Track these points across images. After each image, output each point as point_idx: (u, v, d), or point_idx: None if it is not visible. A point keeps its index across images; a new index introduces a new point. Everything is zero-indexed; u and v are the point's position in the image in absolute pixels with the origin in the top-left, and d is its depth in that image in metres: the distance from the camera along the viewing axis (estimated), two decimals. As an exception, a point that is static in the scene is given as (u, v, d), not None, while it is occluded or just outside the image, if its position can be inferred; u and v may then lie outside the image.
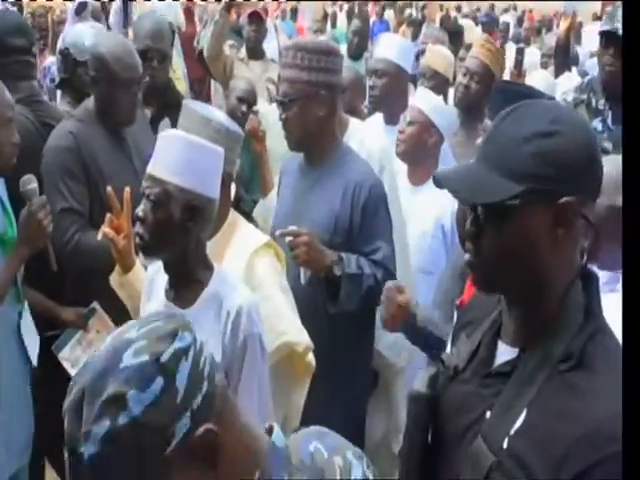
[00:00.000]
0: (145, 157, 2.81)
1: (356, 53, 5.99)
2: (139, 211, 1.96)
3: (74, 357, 2.73)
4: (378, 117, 3.87)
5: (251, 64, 5.07)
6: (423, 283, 3.05)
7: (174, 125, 3.25)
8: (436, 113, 3.27)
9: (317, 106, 2.54)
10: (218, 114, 2.31)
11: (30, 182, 2.47)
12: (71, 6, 4.34)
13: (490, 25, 11.86)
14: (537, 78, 4.61)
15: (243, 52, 5.26)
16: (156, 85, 3.40)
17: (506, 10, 17.89)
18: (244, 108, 4.04)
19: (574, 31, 5.91)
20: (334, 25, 14.75)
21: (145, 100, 3.23)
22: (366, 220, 2.54)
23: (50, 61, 5.02)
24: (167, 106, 3.45)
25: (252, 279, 2.21)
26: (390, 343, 2.89)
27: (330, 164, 2.60)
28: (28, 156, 2.61)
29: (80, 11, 4.27)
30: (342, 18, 15.41)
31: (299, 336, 2.29)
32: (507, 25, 12.15)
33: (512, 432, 1.20)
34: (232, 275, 2.08)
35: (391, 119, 3.75)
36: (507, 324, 1.31)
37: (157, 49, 3.39)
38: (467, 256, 1.29)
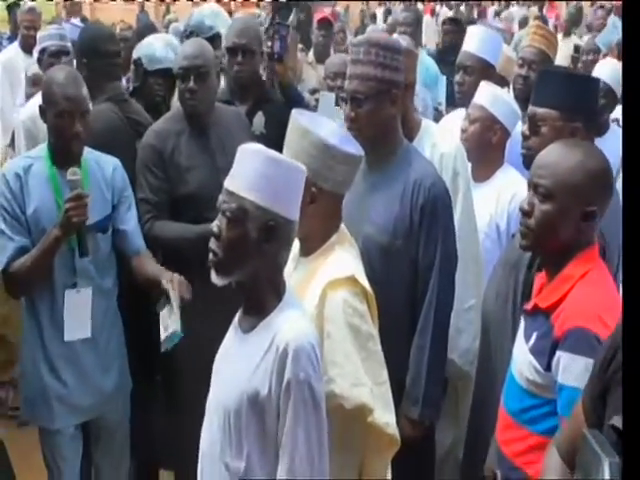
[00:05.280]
0: (230, 153, 3.01)
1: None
2: (214, 226, 1.86)
3: (165, 323, 2.73)
4: (460, 112, 3.75)
5: (319, 68, 5.08)
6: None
7: (268, 120, 3.49)
8: (499, 108, 3.15)
9: (389, 105, 2.49)
10: (324, 127, 2.16)
11: (74, 173, 2.61)
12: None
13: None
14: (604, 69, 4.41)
15: (311, 56, 5.27)
16: (242, 79, 3.52)
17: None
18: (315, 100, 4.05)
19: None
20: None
21: (239, 96, 3.51)
22: (424, 221, 2.48)
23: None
24: (260, 101, 3.56)
25: (323, 312, 2.04)
26: (464, 350, 2.83)
27: (392, 165, 2.54)
28: (116, 146, 2.98)
29: None
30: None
31: (349, 391, 2.00)
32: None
33: None
34: (297, 307, 1.91)
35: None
36: None
37: (241, 45, 3.48)
38: None
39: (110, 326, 2.87)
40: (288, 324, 1.83)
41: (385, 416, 2.06)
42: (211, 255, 1.88)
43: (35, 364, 2.77)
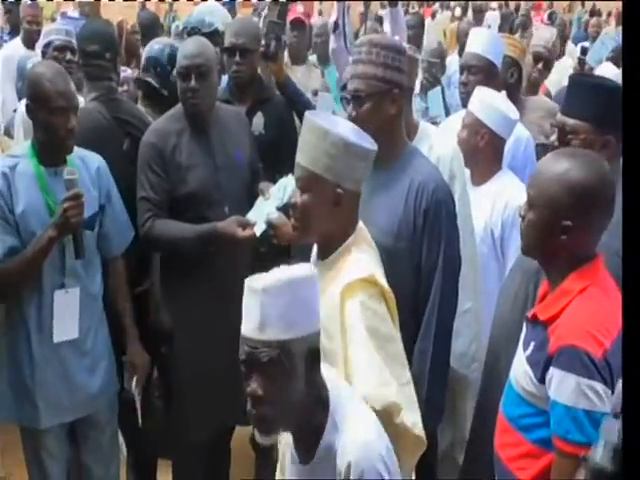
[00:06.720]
0: (230, 153, 3.09)
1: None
2: (254, 389, 1.63)
3: None
4: (461, 114, 3.73)
5: (294, 69, 5.07)
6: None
7: (267, 120, 3.54)
8: (487, 112, 3.14)
9: (390, 104, 2.47)
10: (340, 126, 2.13)
11: (71, 173, 2.60)
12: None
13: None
14: (605, 72, 4.41)
15: (285, 57, 5.24)
16: (241, 79, 3.56)
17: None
18: None
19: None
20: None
21: (238, 96, 3.54)
22: (427, 225, 2.45)
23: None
24: (259, 101, 3.61)
25: (344, 319, 2.01)
26: (460, 354, 2.82)
27: (395, 166, 2.52)
28: (100, 146, 2.94)
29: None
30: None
31: (376, 391, 1.96)
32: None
33: None
34: (347, 409, 1.72)
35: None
36: None
37: (239, 45, 3.53)
38: None
39: (97, 326, 2.84)
40: (347, 438, 1.66)
41: (412, 416, 2.05)
42: (255, 420, 1.68)
43: (20, 365, 2.72)
